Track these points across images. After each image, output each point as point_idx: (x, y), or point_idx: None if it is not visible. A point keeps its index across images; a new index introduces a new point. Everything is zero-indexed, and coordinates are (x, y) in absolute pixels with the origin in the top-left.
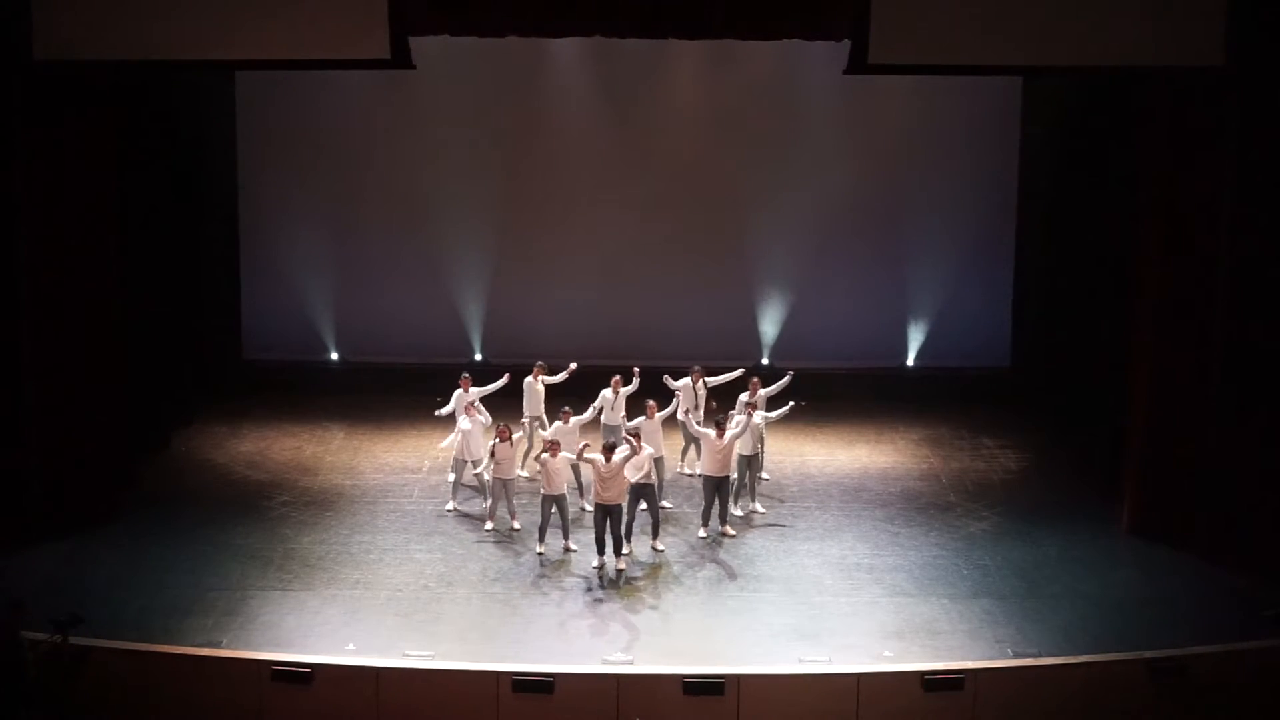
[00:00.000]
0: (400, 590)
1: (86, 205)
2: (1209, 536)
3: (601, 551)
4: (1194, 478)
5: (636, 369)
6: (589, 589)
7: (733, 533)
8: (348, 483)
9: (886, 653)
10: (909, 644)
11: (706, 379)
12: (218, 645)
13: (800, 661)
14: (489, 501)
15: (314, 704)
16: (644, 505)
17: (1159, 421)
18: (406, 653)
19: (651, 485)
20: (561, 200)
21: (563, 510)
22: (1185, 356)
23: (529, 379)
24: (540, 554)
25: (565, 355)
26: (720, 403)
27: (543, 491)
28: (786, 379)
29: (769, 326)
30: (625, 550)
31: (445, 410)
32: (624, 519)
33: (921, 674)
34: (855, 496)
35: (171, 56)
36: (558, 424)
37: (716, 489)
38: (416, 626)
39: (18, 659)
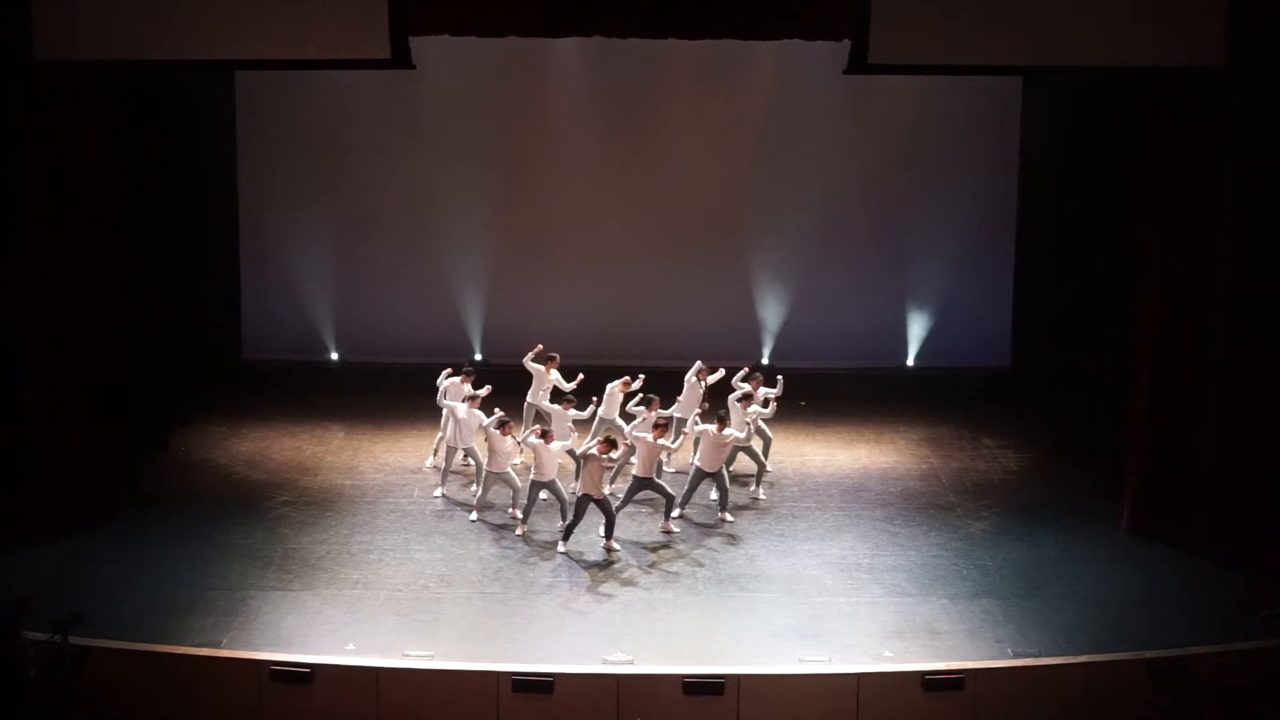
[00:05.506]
0: (400, 590)
1: (86, 204)
2: (1209, 536)
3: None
4: (1194, 478)
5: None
6: (589, 587)
7: (731, 519)
8: (348, 483)
9: (886, 653)
10: (909, 644)
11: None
12: (218, 645)
13: (800, 661)
14: (480, 491)
15: (314, 704)
16: (649, 494)
17: (1159, 421)
18: (406, 653)
19: (650, 477)
20: (562, 200)
21: (557, 494)
22: (1185, 356)
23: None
24: (521, 535)
25: (565, 355)
26: (716, 401)
27: (532, 477)
28: (778, 389)
29: (769, 326)
30: (612, 543)
31: (444, 384)
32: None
33: (921, 674)
34: (855, 496)
35: (171, 56)
36: (555, 408)
37: (702, 479)
38: (416, 626)
39: (18, 659)
